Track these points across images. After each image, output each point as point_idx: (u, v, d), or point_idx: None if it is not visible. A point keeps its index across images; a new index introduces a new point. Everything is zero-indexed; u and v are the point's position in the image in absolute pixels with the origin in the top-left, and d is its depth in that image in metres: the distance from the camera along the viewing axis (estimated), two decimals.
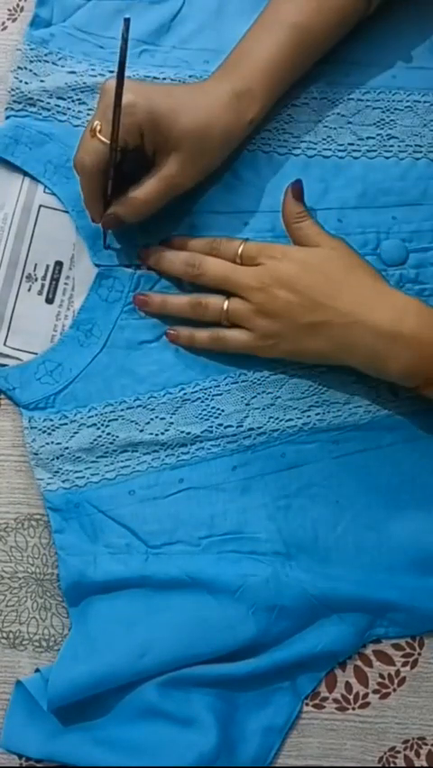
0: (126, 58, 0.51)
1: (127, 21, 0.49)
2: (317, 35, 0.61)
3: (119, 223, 0.60)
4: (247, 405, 0.63)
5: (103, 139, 0.56)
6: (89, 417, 0.62)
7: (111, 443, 0.62)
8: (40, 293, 0.65)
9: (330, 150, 0.65)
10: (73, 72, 0.65)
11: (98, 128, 0.56)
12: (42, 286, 0.65)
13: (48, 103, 0.65)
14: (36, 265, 0.65)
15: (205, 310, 0.61)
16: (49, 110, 0.65)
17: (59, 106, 0.65)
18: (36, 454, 0.62)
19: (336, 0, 0.60)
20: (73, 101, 0.65)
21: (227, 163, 0.64)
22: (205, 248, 0.62)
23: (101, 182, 0.58)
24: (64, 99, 0.65)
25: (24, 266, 0.65)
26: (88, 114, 0.65)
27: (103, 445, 0.62)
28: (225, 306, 0.60)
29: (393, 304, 0.57)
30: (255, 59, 0.60)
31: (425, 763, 0.60)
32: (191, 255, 0.61)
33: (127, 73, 0.64)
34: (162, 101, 0.57)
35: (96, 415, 0.62)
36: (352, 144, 0.65)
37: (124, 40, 0.49)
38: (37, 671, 0.60)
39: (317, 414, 0.62)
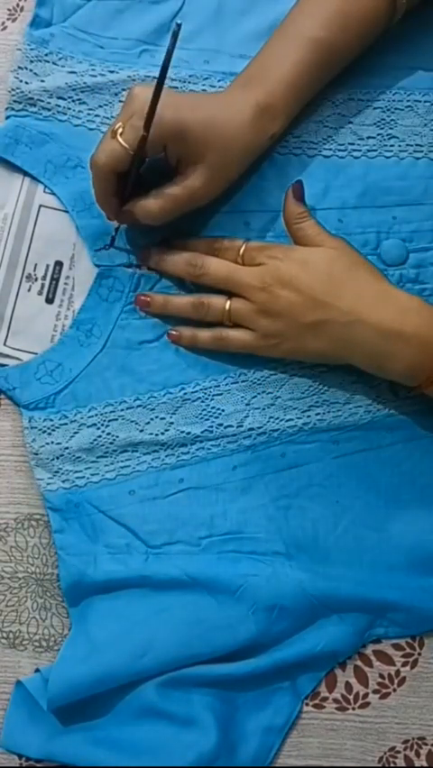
0: (169, 66, 0.50)
1: (179, 26, 0.49)
2: (340, 50, 0.61)
3: (133, 220, 0.60)
4: (247, 405, 0.63)
5: (122, 142, 0.56)
6: (89, 417, 0.62)
7: (111, 443, 0.62)
8: (40, 293, 0.65)
9: (331, 149, 0.65)
10: (73, 72, 0.65)
11: (120, 130, 0.56)
12: (42, 286, 0.65)
13: (48, 103, 0.65)
14: (36, 265, 0.65)
15: (207, 310, 0.61)
16: (49, 110, 0.65)
17: (59, 106, 0.65)
18: (36, 454, 0.62)
19: (360, 16, 0.60)
20: (73, 101, 0.65)
21: None
22: (206, 248, 0.62)
23: (112, 183, 0.58)
24: (64, 99, 0.65)
25: (24, 266, 0.65)
26: (88, 114, 0.65)
27: (103, 445, 0.62)
28: (227, 306, 0.60)
29: (395, 303, 0.57)
30: (279, 74, 0.59)
31: (425, 763, 0.60)
32: (193, 255, 0.61)
33: (127, 73, 0.65)
34: (189, 115, 0.56)
35: (97, 415, 0.62)
36: (352, 144, 0.65)
37: (172, 44, 0.50)
38: (37, 671, 0.60)
39: (317, 414, 0.62)
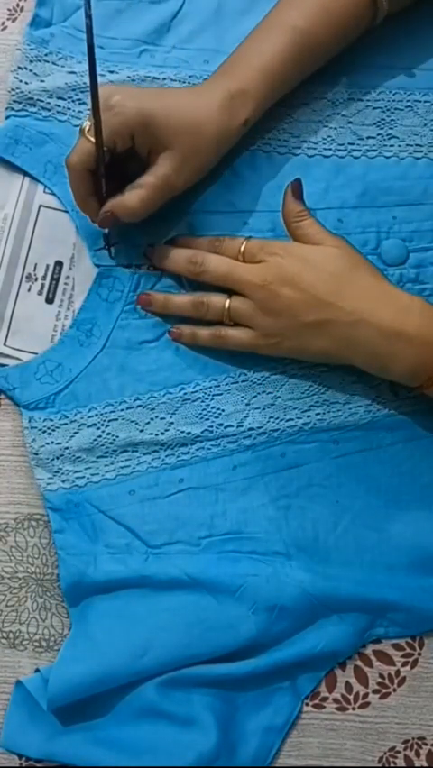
0: (93, 38, 0.49)
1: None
2: (320, 41, 0.61)
3: (116, 221, 0.60)
4: (247, 405, 0.63)
5: (91, 138, 0.56)
6: (89, 417, 0.62)
7: (111, 443, 0.62)
8: (40, 293, 0.65)
9: (330, 149, 0.65)
10: (73, 72, 0.65)
11: (87, 128, 0.56)
12: (42, 286, 0.65)
13: (48, 103, 0.65)
14: (36, 265, 0.65)
15: (207, 309, 0.61)
16: (49, 110, 0.65)
17: (59, 106, 0.65)
18: (36, 454, 0.62)
19: (342, 13, 0.60)
20: (73, 101, 0.65)
21: (227, 162, 0.64)
22: (207, 246, 0.62)
23: (88, 181, 0.58)
24: (64, 99, 0.65)
25: (24, 266, 0.65)
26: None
27: (103, 445, 0.62)
28: (227, 305, 0.60)
29: (397, 302, 0.57)
30: (252, 60, 0.60)
31: (425, 763, 0.60)
32: (194, 253, 0.61)
33: (127, 73, 0.65)
34: (153, 102, 0.57)
35: (97, 415, 0.62)
36: (352, 144, 0.65)
37: (88, 17, 0.48)
38: (37, 671, 0.60)
39: (317, 414, 0.62)
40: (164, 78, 0.65)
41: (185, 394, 0.63)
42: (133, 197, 0.58)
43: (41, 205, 0.65)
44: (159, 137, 0.57)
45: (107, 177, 0.58)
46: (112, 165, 0.58)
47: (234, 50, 0.61)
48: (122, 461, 0.62)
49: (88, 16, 0.47)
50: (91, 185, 0.59)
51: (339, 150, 0.65)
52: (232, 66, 0.60)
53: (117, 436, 0.62)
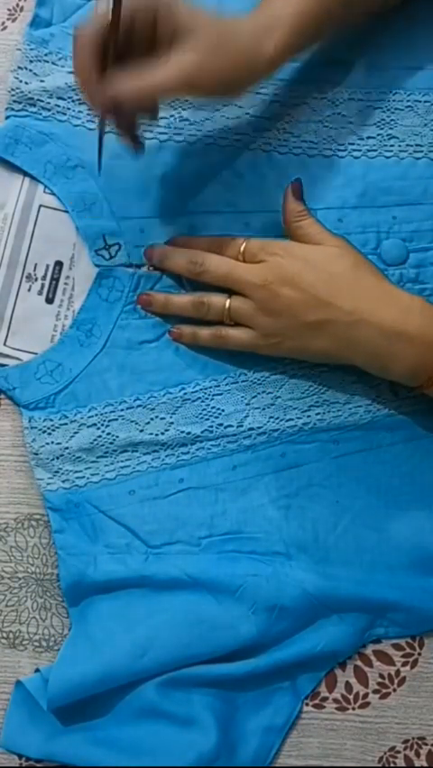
0: None
1: None
2: (343, 11, 0.58)
3: (117, 107, 0.54)
4: (247, 405, 0.63)
5: (112, 9, 0.50)
6: (89, 417, 0.62)
7: (111, 443, 0.62)
8: (40, 293, 0.65)
9: (330, 149, 0.65)
10: (73, 72, 0.65)
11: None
12: (42, 286, 0.65)
13: (48, 103, 0.65)
14: (36, 265, 0.65)
15: (207, 309, 0.61)
16: (49, 110, 0.65)
17: (59, 106, 0.65)
18: (36, 454, 0.62)
19: None
20: (73, 101, 0.65)
21: (227, 162, 0.64)
22: (208, 246, 0.62)
23: (94, 57, 0.52)
24: (64, 99, 0.65)
25: (24, 266, 0.65)
26: (88, 115, 0.65)
27: (103, 445, 0.62)
28: (227, 305, 0.60)
29: (398, 302, 0.57)
30: (280, 5, 0.56)
31: (425, 763, 0.60)
32: (194, 253, 0.61)
33: None
34: None
35: (97, 415, 0.62)
36: (352, 144, 0.65)
37: None
38: (37, 671, 0.60)
39: (317, 413, 0.62)
40: None
41: (185, 394, 0.63)
42: (144, 81, 0.51)
43: (41, 205, 0.65)
44: (183, 23, 0.52)
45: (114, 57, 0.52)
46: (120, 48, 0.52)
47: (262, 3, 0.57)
48: (122, 461, 0.62)
49: None
50: (95, 56, 0.52)
51: (339, 150, 0.65)
52: (260, 7, 0.56)
53: (117, 436, 0.62)
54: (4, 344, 0.64)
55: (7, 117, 0.66)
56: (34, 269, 0.65)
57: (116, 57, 0.52)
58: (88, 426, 0.62)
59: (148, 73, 0.52)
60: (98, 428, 0.62)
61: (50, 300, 0.65)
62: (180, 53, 0.52)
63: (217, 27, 0.53)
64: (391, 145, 0.65)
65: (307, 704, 0.61)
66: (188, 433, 0.62)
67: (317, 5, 0.57)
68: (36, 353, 0.64)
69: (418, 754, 0.60)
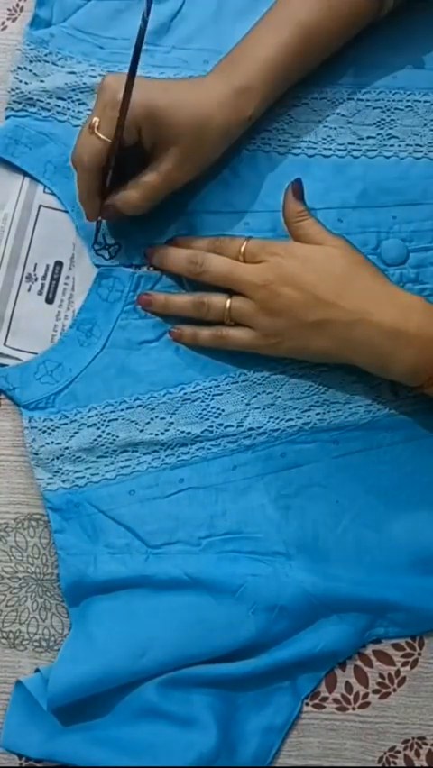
0: (142, 46, 0.51)
1: (149, 3, 0.50)
2: (324, 35, 0.61)
3: (117, 215, 0.61)
4: (247, 404, 0.63)
5: (102, 136, 0.56)
6: (89, 417, 0.62)
7: (111, 443, 0.62)
8: (40, 293, 0.65)
9: (330, 149, 0.65)
10: (73, 72, 0.65)
11: (96, 125, 0.56)
12: (42, 286, 0.65)
13: (48, 103, 0.65)
14: (36, 265, 0.65)
15: (207, 309, 0.61)
16: (49, 110, 0.65)
17: (58, 106, 0.65)
18: (36, 454, 0.62)
19: (347, 6, 0.60)
20: (73, 101, 0.65)
21: (227, 162, 0.64)
22: (208, 246, 0.62)
23: (98, 179, 0.59)
24: (64, 99, 0.65)
25: (24, 266, 0.65)
26: (88, 115, 0.65)
27: (103, 445, 0.62)
28: (228, 305, 0.60)
29: (398, 302, 0.57)
30: (257, 55, 0.60)
31: (425, 763, 0.60)
32: (194, 253, 0.61)
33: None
34: (160, 96, 0.57)
35: (97, 414, 0.62)
36: (352, 144, 0.65)
37: (144, 22, 0.50)
38: (37, 671, 0.60)
39: (317, 413, 0.62)
40: (164, 78, 0.65)
41: (185, 394, 0.63)
42: (136, 192, 0.59)
43: (41, 205, 0.65)
44: (164, 132, 0.58)
45: (113, 174, 0.59)
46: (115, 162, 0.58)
47: (238, 44, 0.61)
48: (122, 461, 0.62)
49: (144, 21, 0.50)
50: (98, 182, 0.59)
51: (339, 150, 0.65)
52: (235, 61, 0.61)
53: (117, 436, 0.62)
54: (4, 344, 0.64)
55: (7, 117, 0.66)
56: (34, 269, 0.65)
57: (121, 171, 0.59)
58: (88, 426, 0.62)
59: (136, 185, 0.59)
60: (98, 428, 0.62)
61: (50, 300, 0.65)
62: (163, 162, 0.59)
63: (194, 123, 0.58)
64: (391, 145, 0.65)
65: (307, 704, 0.61)
66: (189, 433, 0.62)
67: (291, 40, 0.60)
68: (36, 353, 0.64)
69: (418, 754, 0.60)
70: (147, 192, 0.59)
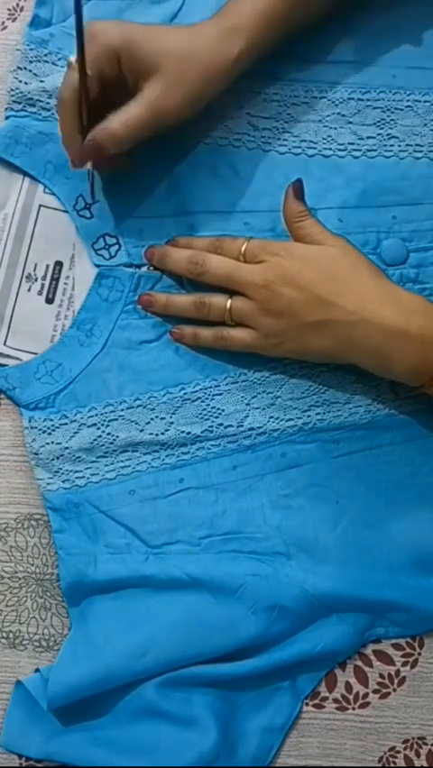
0: None
1: None
2: None
3: (100, 151, 0.58)
4: (247, 405, 0.63)
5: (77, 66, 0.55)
6: (89, 417, 0.62)
7: (111, 443, 0.62)
8: (40, 293, 0.65)
9: (330, 149, 0.65)
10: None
11: (75, 59, 0.55)
12: (42, 286, 0.65)
13: (48, 103, 0.65)
14: (36, 265, 0.65)
15: (208, 309, 0.61)
16: (48, 110, 0.65)
17: None
18: (36, 454, 0.62)
19: None
20: None
21: (227, 162, 0.64)
22: (208, 246, 0.62)
23: (78, 116, 0.57)
24: None
25: (24, 266, 0.65)
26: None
27: (103, 445, 0.62)
28: (229, 305, 0.60)
29: (399, 302, 0.57)
30: (247, 3, 0.59)
31: (425, 763, 0.60)
32: (195, 253, 0.61)
33: None
34: (139, 28, 0.57)
35: (97, 414, 0.62)
36: (352, 144, 0.65)
37: None
38: (37, 671, 0.60)
39: (317, 413, 0.62)
40: None
41: (185, 394, 0.63)
42: (116, 122, 0.57)
43: (41, 205, 0.65)
44: (144, 60, 0.56)
45: (97, 111, 0.57)
46: (102, 100, 0.57)
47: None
48: (122, 461, 0.62)
49: None
50: (80, 119, 0.58)
51: (339, 149, 0.65)
52: (228, 8, 0.60)
53: (117, 436, 0.62)
54: (4, 344, 0.64)
55: (7, 117, 0.66)
56: (34, 269, 0.65)
57: (100, 107, 0.57)
58: (88, 426, 0.62)
59: (118, 115, 0.57)
60: (98, 428, 0.62)
61: (50, 300, 0.65)
62: (145, 90, 0.57)
63: (178, 51, 0.57)
64: (391, 145, 0.65)
65: (307, 704, 0.61)
66: (189, 433, 0.62)
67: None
68: (36, 353, 0.64)
69: (418, 754, 0.60)
70: (130, 123, 0.57)
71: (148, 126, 0.58)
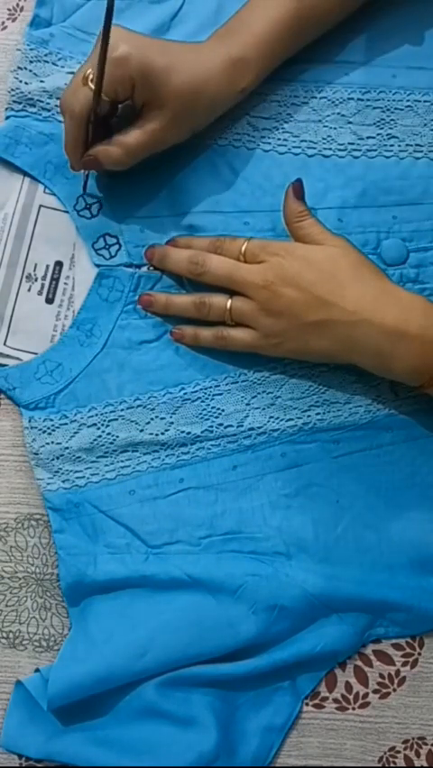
0: (114, 3, 0.51)
1: None
2: (320, 11, 0.61)
3: (98, 166, 0.61)
4: (247, 404, 0.63)
5: (92, 86, 0.56)
6: (89, 417, 0.62)
7: (111, 443, 0.62)
8: (40, 293, 0.65)
9: (330, 149, 0.65)
10: (73, 72, 0.65)
11: (90, 76, 0.57)
12: (42, 286, 0.65)
13: (48, 103, 0.65)
14: (36, 265, 0.65)
15: (208, 309, 0.61)
16: (49, 110, 0.65)
17: (59, 107, 0.65)
18: (36, 454, 0.62)
19: None
20: None
21: (227, 162, 0.64)
22: (209, 246, 0.62)
23: (86, 129, 0.59)
24: None
25: (24, 266, 0.65)
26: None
27: (103, 445, 0.62)
28: (229, 305, 0.60)
29: (399, 302, 0.57)
30: (254, 28, 0.60)
31: (425, 763, 0.60)
32: (195, 253, 0.61)
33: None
34: (157, 57, 0.57)
35: (97, 414, 0.62)
36: (352, 144, 0.65)
37: None
38: (37, 671, 0.60)
39: (317, 413, 0.62)
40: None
41: (185, 394, 0.63)
42: (119, 147, 0.59)
43: (41, 206, 0.65)
44: (157, 93, 0.58)
45: (98, 126, 0.59)
46: (104, 116, 0.59)
47: (234, 15, 0.62)
48: (122, 461, 0.62)
49: None
50: (86, 132, 0.59)
51: (339, 149, 0.65)
52: (232, 31, 0.61)
53: (117, 436, 0.62)
54: (4, 344, 0.64)
55: (7, 117, 0.66)
56: (34, 269, 0.65)
57: (107, 124, 0.60)
58: (88, 426, 0.62)
59: (120, 139, 0.59)
60: (98, 428, 0.62)
61: (50, 300, 0.65)
62: (152, 120, 0.59)
63: (188, 88, 0.59)
64: (391, 145, 0.65)
65: (307, 704, 0.61)
66: (189, 433, 0.62)
67: (288, 15, 0.60)
68: (36, 353, 0.64)
69: (418, 754, 0.60)
70: (130, 148, 0.59)
71: (148, 151, 0.60)
